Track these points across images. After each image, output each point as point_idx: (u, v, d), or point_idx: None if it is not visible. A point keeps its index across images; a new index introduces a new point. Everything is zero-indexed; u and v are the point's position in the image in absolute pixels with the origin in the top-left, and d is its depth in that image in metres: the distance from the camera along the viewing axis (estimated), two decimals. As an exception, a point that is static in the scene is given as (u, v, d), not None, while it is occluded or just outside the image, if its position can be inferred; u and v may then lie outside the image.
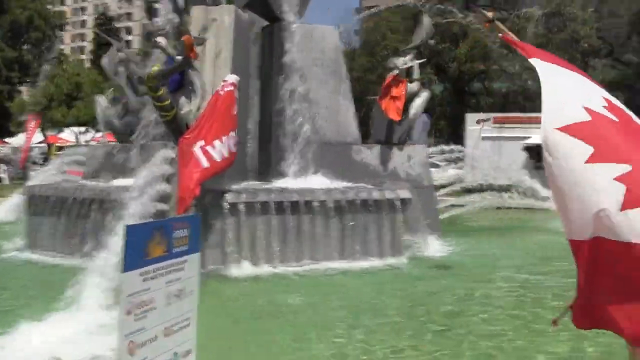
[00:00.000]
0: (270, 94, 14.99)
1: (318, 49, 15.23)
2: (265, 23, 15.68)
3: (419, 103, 16.05)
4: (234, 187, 12.63)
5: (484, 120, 33.82)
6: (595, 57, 28.30)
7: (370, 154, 15.51)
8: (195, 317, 4.37)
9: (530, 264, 13.14)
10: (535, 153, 29.22)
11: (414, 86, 15.82)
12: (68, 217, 13.14)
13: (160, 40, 12.83)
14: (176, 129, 12.13)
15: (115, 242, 9.58)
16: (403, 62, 15.53)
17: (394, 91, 15.43)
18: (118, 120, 16.78)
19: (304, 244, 12.46)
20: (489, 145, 31.86)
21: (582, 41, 25.82)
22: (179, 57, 12.28)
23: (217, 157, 11.34)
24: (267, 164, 14.78)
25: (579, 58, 27.09)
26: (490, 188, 19.55)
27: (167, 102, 12.00)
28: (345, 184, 13.94)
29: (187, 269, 4.35)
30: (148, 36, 13.19)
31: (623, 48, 28.10)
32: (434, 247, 14.07)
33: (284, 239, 12.31)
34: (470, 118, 34.82)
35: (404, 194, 13.39)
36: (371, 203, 12.93)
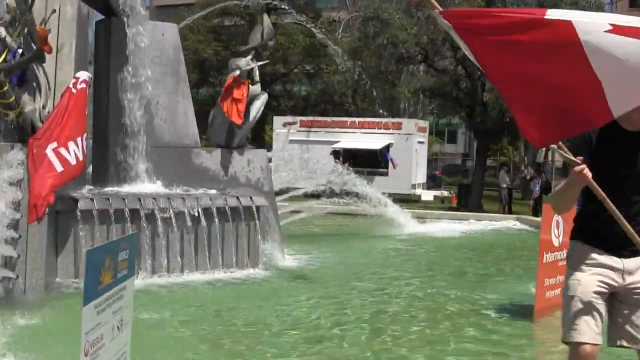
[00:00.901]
0: (107, 93, 14.62)
1: (157, 46, 15.02)
2: (100, 17, 15.28)
3: (258, 105, 16.25)
4: (84, 193, 12.26)
5: (290, 123, 34.61)
6: (410, 63, 29.68)
7: (210, 158, 15.48)
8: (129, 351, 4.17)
9: (380, 272, 13.96)
10: (345, 156, 30.41)
11: (256, 88, 15.99)
12: None
13: (0, 30, 12.21)
14: (20, 129, 11.61)
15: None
16: (246, 63, 15.66)
17: (236, 93, 15.51)
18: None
19: (161, 254, 12.33)
20: (296, 149, 32.62)
21: (400, 46, 26.98)
22: (20, 50, 11.79)
23: (71, 161, 10.97)
24: (105, 169, 14.42)
25: (394, 64, 28.33)
26: (325, 194, 20.10)
27: (12, 99, 11.44)
28: (192, 190, 13.89)
29: (126, 297, 4.11)
30: (-17, 26, 12.44)
31: (437, 55, 29.71)
32: (286, 255, 14.36)
33: (140, 249, 12.10)
34: (278, 121, 35.53)
35: (260, 201, 13.55)
36: (227, 211, 12.99)
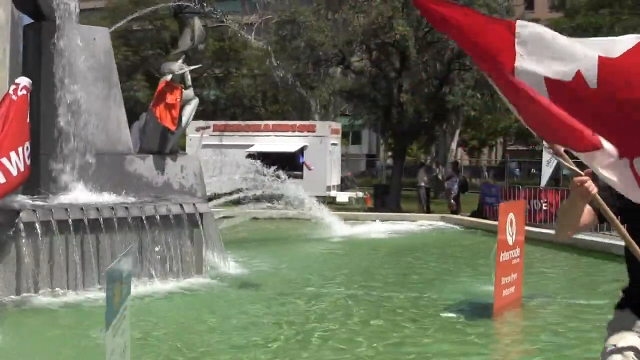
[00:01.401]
0: (37, 99, 14.05)
1: (88, 51, 14.52)
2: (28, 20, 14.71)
3: (189, 110, 15.92)
4: (24, 203, 11.75)
5: (203, 128, 34.16)
6: (328, 66, 29.69)
7: (143, 165, 15.07)
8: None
9: (325, 275, 14.05)
10: (261, 160, 30.10)
11: (189, 93, 15.65)
12: None
13: None
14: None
15: None
16: (179, 67, 15.32)
17: (169, 98, 15.14)
18: None
19: (104, 266, 11.92)
20: (210, 153, 32.20)
21: (317, 49, 26.95)
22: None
23: (13, 171, 10.54)
24: (35, 177, 13.84)
25: (311, 66, 28.29)
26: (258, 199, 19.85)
27: (-54, 108, 10.91)
28: (128, 198, 13.51)
29: (127, 317, 3.84)
30: None
31: (353, 57, 29.83)
32: (227, 262, 14.12)
33: (85, 261, 11.69)
34: (190, 125, 34.96)
35: (203, 207, 13.28)
36: (171, 218, 12.68)
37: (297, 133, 34.01)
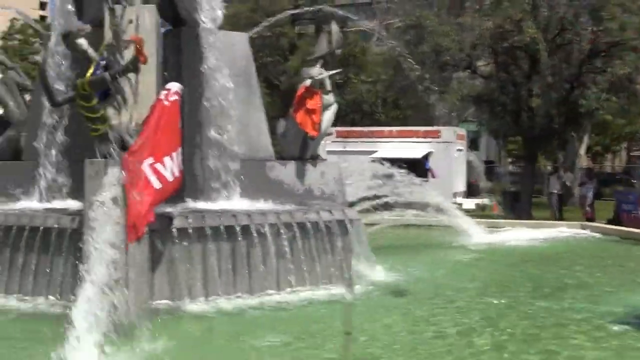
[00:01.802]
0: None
1: (228, 56, 14.32)
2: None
3: (329, 116, 15.55)
4: (176, 209, 11.57)
5: (327, 134, 33.78)
6: (455, 71, 29.06)
7: (284, 171, 14.79)
8: None
9: (475, 286, 13.43)
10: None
11: (329, 98, 15.29)
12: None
13: (82, 42, 11.58)
14: (108, 144, 10.92)
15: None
16: (318, 72, 14.96)
17: (309, 103, 14.83)
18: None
19: (256, 272, 11.65)
20: (334, 159, 31.86)
21: (444, 53, 26.35)
22: (103, 62, 11.16)
23: (168, 177, 10.33)
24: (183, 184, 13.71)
25: (437, 71, 27.71)
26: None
27: (101, 114, 10.81)
28: (273, 204, 13.25)
29: None
30: (65, 37, 11.80)
31: (479, 61, 29.11)
32: (375, 270, 13.70)
33: (236, 267, 11.44)
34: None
35: (352, 214, 12.90)
36: (322, 225, 12.33)
37: (422, 139, 33.42)
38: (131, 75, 11.41)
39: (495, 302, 11.65)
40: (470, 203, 33.09)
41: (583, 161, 43.52)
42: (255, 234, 11.58)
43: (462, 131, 35.79)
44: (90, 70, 10.85)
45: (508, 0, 26.79)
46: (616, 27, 25.71)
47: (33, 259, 11.26)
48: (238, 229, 11.44)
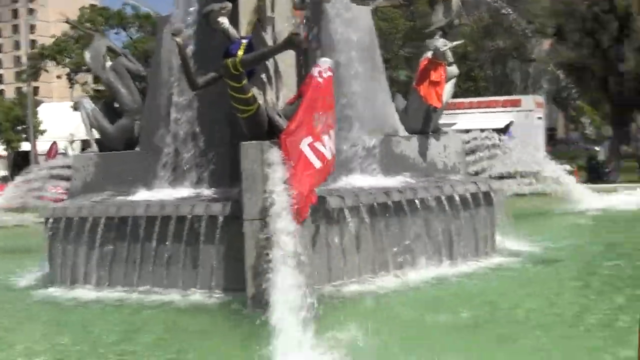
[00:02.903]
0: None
1: (352, 30, 13.68)
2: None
3: (449, 88, 14.95)
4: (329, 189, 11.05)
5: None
6: (543, 37, 28.19)
7: (409, 146, 14.22)
8: None
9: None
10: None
11: (453, 69, 14.70)
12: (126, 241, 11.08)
13: (223, 20, 11.07)
14: (257, 125, 10.34)
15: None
16: (443, 43, 14.31)
17: (433, 75, 14.24)
18: (108, 124, 14.59)
19: (419, 246, 11.15)
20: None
21: (535, 22, 25.50)
22: (245, 41, 10.59)
23: (328, 155, 9.78)
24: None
25: (526, 40, 26.91)
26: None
27: (250, 95, 10.24)
28: (407, 180, 12.71)
29: None
30: (206, 16, 11.29)
31: (567, 28, 28.17)
32: (510, 240, 13.12)
33: (401, 244, 10.94)
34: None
35: (496, 185, 12.32)
36: (469, 198, 11.76)
37: (501, 109, 32.51)
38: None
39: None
40: (550, 171, 32.13)
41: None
42: (407, 210, 11.03)
43: (540, 99, 34.75)
44: (243, 49, 10.28)
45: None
46: None
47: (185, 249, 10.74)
48: (393, 205, 10.90)
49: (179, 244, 10.63)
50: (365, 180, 12.53)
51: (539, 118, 33.36)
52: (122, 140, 14.32)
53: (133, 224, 10.87)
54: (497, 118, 32.05)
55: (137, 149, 13.70)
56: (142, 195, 12.24)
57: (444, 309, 8.94)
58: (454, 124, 32.38)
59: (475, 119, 32.11)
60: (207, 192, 11.88)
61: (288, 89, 11.25)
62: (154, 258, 10.79)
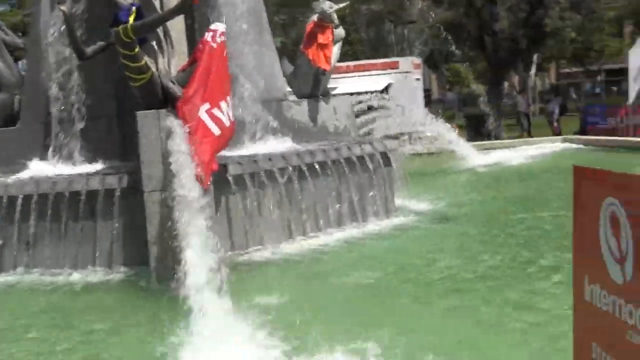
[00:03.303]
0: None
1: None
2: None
3: (336, 50, 14.90)
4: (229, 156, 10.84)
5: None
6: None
7: (300, 110, 14.16)
8: None
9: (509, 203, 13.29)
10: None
11: (340, 32, 14.63)
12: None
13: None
14: (151, 94, 10.02)
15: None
16: (329, 5, 14.21)
17: (321, 38, 14.14)
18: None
19: (312, 212, 11.06)
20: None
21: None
22: (134, 7, 10.21)
23: (226, 122, 9.60)
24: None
25: (401, 2, 27.11)
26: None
27: (143, 63, 9.89)
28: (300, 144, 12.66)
29: None
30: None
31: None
32: (410, 200, 13.26)
33: (304, 208, 10.85)
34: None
35: (392, 145, 12.38)
36: (366, 159, 11.77)
37: (380, 71, 32.70)
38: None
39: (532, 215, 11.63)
40: (427, 131, 32.72)
41: (534, 81, 43.59)
42: (308, 174, 10.95)
43: (418, 60, 35.17)
44: (133, 16, 9.89)
45: None
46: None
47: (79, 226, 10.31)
48: (293, 169, 10.80)
49: (75, 221, 10.22)
50: (259, 146, 12.38)
51: (417, 79, 33.82)
52: (0, 116, 13.65)
53: (24, 204, 10.35)
54: (377, 81, 32.24)
55: (18, 125, 13.05)
56: (28, 172, 11.67)
57: (357, 271, 8.91)
58: (335, 88, 32.45)
59: (355, 82, 32.20)
60: (98, 167, 11.46)
61: (180, 56, 10.95)
62: (49, 238, 10.33)
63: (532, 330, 6.17)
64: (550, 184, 14.79)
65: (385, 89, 32.36)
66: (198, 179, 8.79)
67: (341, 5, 14.76)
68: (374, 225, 11.43)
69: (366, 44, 36.00)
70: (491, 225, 11.16)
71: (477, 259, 8.96)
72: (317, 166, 11.08)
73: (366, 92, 28.47)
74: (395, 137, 18.28)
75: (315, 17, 14.23)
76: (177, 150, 8.83)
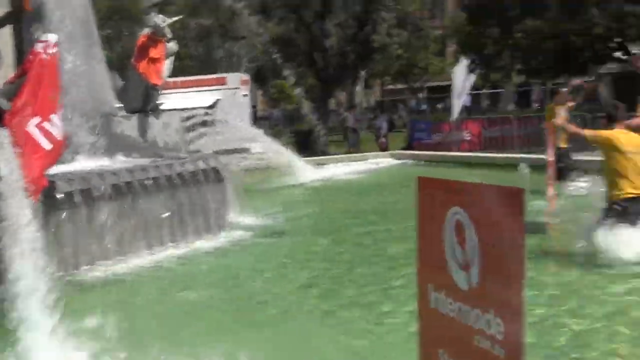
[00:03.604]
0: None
1: (66, 5, 13.09)
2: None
3: (168, 64, 14.86)
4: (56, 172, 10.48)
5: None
6: (252, 14, 28.60)
7: (130, 125, 13.96)
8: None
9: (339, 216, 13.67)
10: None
11: (172, 46, 14.58)
12: None
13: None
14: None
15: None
16: (162, 19, 14.14)
17: (152, 52, 14.09)
18: None
19: (145, 229, 10.90)
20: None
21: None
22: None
23: (57, 135, 9.32)
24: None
25: (232, 17, 27.17)
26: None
27: (-35, 75, 9.50)
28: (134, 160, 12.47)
29: None
30: None
31: (272, 4, 28.82)
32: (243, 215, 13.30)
33: (129, 227, 10.63)
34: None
35: (224, 161, 12.44)
36: (200, 175, 11.73)
37: (207, 87, 32.56)
38: None
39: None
40: (258, 147, 32.92)
41: (360, 97, 44.68)
42: (139, 190, 10.78)
43: (246, 76, 35.27)
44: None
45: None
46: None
47: None
48: (125, 185, 10.60)
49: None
50: (88, 162, 12.09)
51: (245, 95, 33.93)
52: None
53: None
54: (205, 97, 32.11)
55: None
56: None
57: (187, 288, 8.89)
58: (162, 104, 32.02)
59: (183, 98, 31.91)
60: None
61: (6, 67, 10.55)
62: None
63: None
64: (382, 197, 15.30)
65: (213, 105, 32.32)
66: (27, 196, 8.48)
67: (174, 19, 14.72)
68: (208, 242, 11.35)
69: (195, 59, 35.79)
70: (333, 237, 11.45)
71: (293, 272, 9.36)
72: (149, 182, 10.91)
73: (193, 109, 28.52)
74: (230, 152, 18.45)
75: (147, 31, 14.10)
76: (3, 166, 8.46)
